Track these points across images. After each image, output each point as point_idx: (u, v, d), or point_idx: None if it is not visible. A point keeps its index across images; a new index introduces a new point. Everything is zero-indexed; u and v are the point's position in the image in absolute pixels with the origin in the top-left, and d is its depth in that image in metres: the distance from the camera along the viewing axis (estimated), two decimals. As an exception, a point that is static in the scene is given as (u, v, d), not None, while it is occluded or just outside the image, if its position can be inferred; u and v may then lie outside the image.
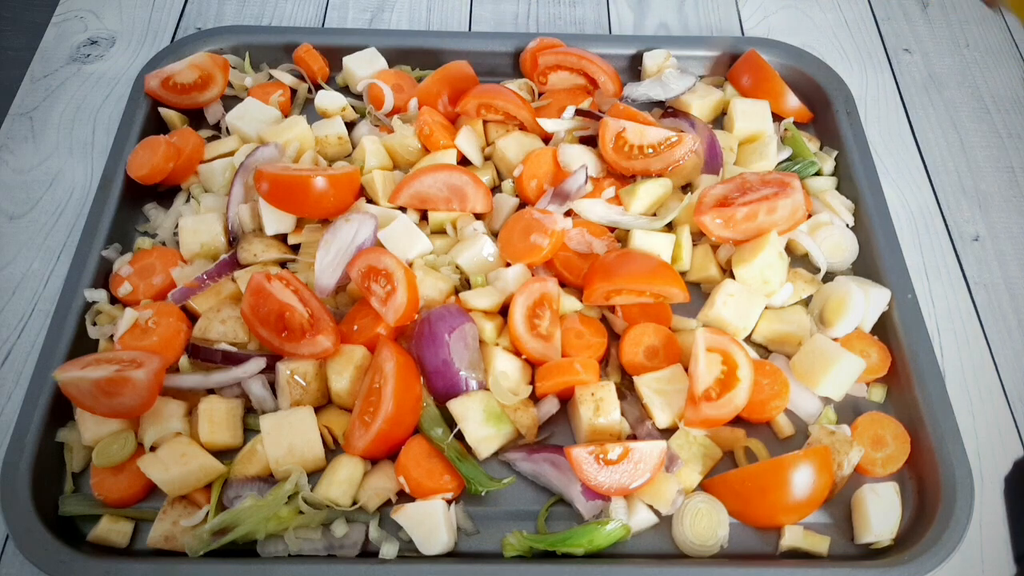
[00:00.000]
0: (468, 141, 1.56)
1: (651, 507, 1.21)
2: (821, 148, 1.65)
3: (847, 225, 1.52)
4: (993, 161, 1.70)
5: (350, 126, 1.63)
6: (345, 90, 1.73)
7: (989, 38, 1.92)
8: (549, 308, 1.34)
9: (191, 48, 1.70)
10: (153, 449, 1.23)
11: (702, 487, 1.25)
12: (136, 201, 1.54)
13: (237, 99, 1.67)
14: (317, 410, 1.28)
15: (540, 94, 1.71)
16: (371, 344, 1.31)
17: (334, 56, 1.73)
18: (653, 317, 1.37)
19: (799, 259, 1.51)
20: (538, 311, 1.33)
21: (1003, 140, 1.73)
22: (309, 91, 1.72)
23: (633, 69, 1.77)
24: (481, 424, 1.24)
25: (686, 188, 1.56)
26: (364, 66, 1.69)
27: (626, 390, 1.33)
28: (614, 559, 1.20)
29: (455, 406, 1.25)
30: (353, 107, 1.67)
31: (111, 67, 1.80)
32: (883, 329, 1.40)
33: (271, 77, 1.72)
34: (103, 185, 1.51)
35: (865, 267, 1.48)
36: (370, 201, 1.49)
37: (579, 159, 1.52)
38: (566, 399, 1.32)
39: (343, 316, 1.37)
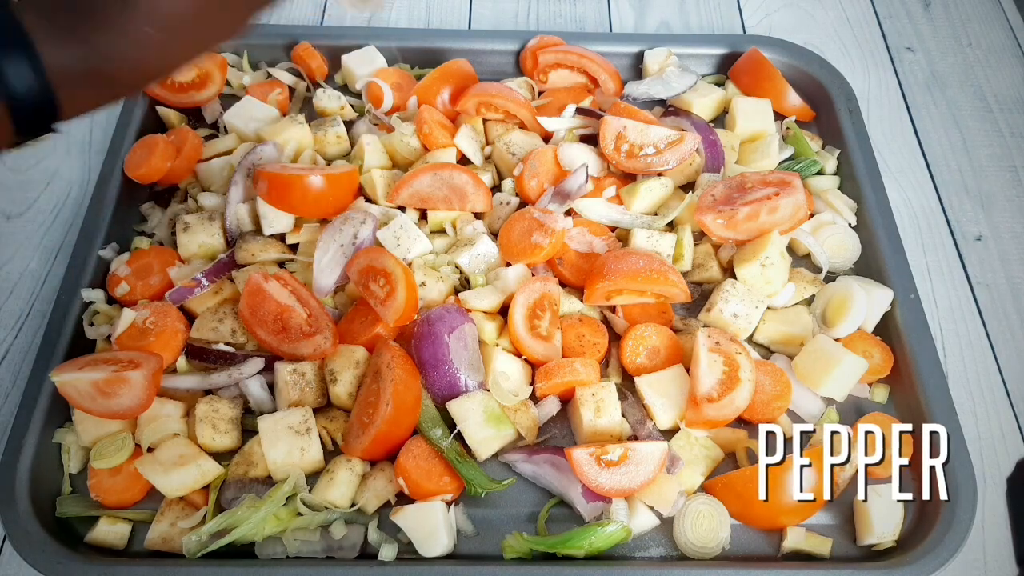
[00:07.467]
0: (468, 140, 1.55)
1: (652, 509, 1.21)
2: (823, 147, 1.64)
3: (849, 225, 1.52)
4: (996, 160, 1.69)
5: (349, 125, 1.62)
6: (344, 89, 1.73)
7: (992, 37, 1.91)
8: (549, 308, 1.33)
9: (189, 46, 1.69)
10: (151, 450, 1.22)
11: (703, 488, 1.24)
12: (133, 200, 1.53)
13: (235, 98, 1.65)
14: (316, 411, 1.27)
15: (540, 92, 1.70)
16: (370, 345, 1.30)
17: (333, 54, 1.72)
18: (654, 317, 1.37)
19: (801, 259, 1.50)
20: (538, 311, 1.32)
21: (1006, 139, 1.73)
22: (308, 90, 1.71)
23: (634, 67, 1.77)
24: (481, 425, 1.23)
25: (687, 187, 1.55)
26: (363, 64, 1.69)
27: (627, 391, 1.32)
28: (615, 561, 1.19)
29: (455, 407, 1.24)
30: (352, 106, 1.67)
31: (109, 65, 1.79)
32: (885, 329, 1.39)
33: (269, 75, 1.71)
34: (100, 184, 1.50)
35: (867, 267, 1.47)
36: (369, 200, 1.48)
37: (580, 158, 1.51)
38: (566, 400, 1.31)
39: (342, 316, 1.37)
